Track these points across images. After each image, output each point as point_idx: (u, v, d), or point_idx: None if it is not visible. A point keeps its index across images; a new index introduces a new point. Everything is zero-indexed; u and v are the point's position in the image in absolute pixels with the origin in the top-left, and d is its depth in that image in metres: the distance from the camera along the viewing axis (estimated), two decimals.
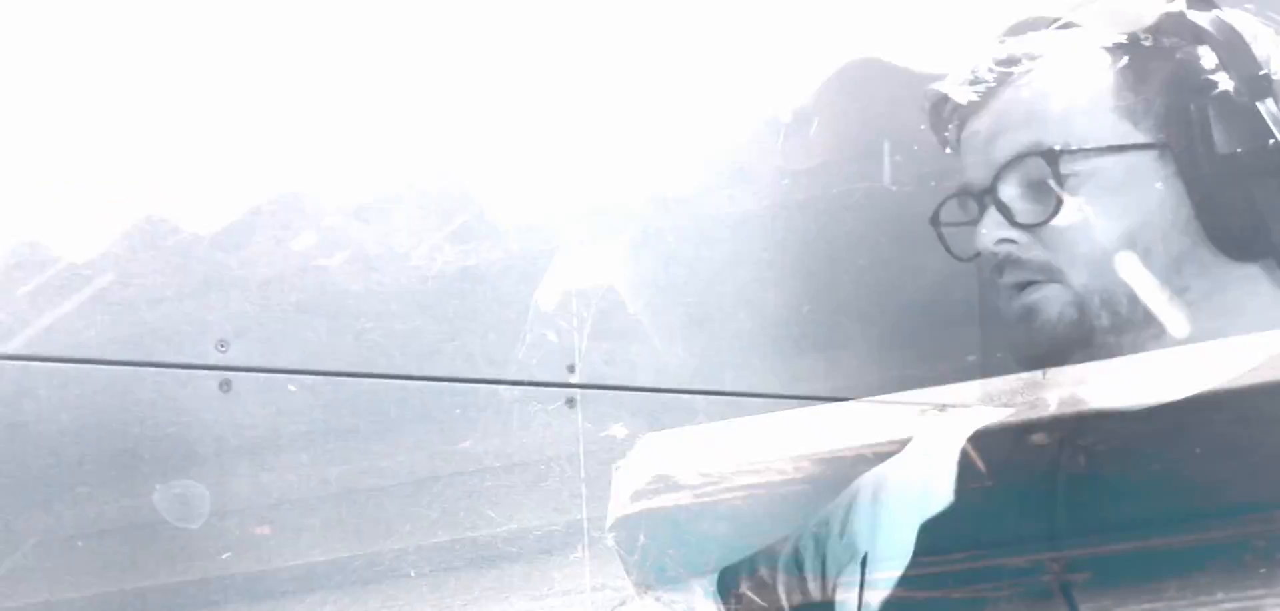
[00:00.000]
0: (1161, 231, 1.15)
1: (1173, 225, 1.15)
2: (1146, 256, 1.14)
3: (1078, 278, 1.16)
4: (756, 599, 1.41)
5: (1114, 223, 1.15)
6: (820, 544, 1.37)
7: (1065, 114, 1.17)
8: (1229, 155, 1.13)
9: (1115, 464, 1.21)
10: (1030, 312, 1.20)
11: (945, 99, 1.23)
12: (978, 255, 1.22)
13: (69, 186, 1.63)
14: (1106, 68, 1.17)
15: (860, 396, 1.91)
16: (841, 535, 1.35)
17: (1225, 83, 1.14)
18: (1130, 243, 1.15)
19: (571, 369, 1.77)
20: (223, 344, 1.67)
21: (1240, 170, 1.12)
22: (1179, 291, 1.15)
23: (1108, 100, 1.17)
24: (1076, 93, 1.17)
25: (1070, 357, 1.19)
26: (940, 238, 1.28)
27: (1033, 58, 1.19)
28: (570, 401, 1.76)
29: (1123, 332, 1.16)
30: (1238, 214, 1.13)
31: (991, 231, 1.20)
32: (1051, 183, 1.16)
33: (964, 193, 1.24)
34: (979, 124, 1.21)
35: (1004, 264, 1.20)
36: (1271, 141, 1.12)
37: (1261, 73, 1.15)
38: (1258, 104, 1.13)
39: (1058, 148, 1.16)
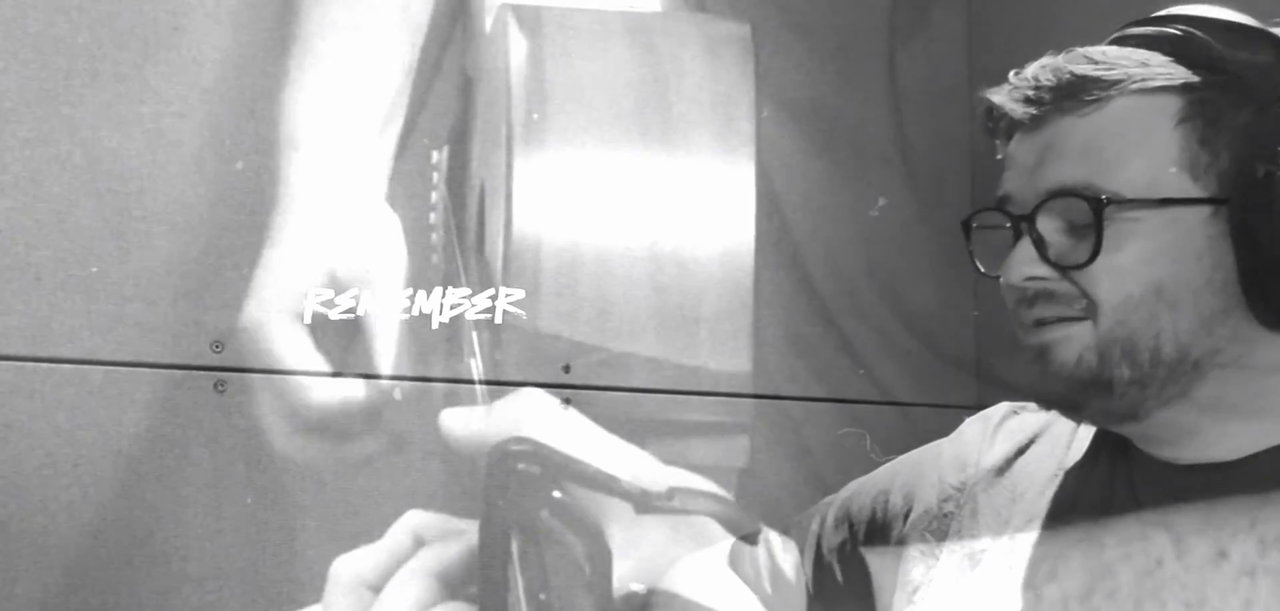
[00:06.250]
0: (1193, 288, 1.09)
1: (1208, 284, 1.09)
2: (1174, 309, 1.11)
3: (1104, 322, 1.11)
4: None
5: (1144, 269, 1.10)
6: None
7: (1121, 157, 1.11)
8: None
9: None
10: (1046, 352, 1.13)
11: (995, 108, 1.18)
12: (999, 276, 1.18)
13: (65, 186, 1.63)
14: (1176, 111, 1.11)
15: (856, 399, 1.92)
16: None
17: None
18: (1158, 293, 1.11)
19: (567, 369, 1.77)
20: (218, 345, 1.67)
21: None
22: (1210, 352, 1.11)
23: (1170, 150, 1.10)
24: (1138, 137, 1.11)
25: (1088, 405, 1.14)
26: (969, 247, 1.19)
27: (1101, 86, 1.12)
28: (566, 402, 1.76)
29: (1145, 386, 1.12)
30: None
31: (1022, 266, 1.13)
32: (1091, 229, 1.10)
33: (1002, 207, 1.16)
34: (1032, 142, 1.15)
35: (1036, 297, 1.13)
36: None
37: None
38: None
39: (1105, 197, 1.09)
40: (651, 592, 1.51)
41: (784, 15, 1.93)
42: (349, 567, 1.53)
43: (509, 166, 1.76)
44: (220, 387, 1.67)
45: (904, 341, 1.93)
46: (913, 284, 1.93)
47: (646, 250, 1.80)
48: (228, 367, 1.67)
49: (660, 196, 1.82)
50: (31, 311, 1.61)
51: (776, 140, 1.89)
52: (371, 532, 1.60)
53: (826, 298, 1.92)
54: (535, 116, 1.77)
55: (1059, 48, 1.19)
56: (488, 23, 1.81)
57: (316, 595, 1.62)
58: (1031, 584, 1.17)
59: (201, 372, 1.66)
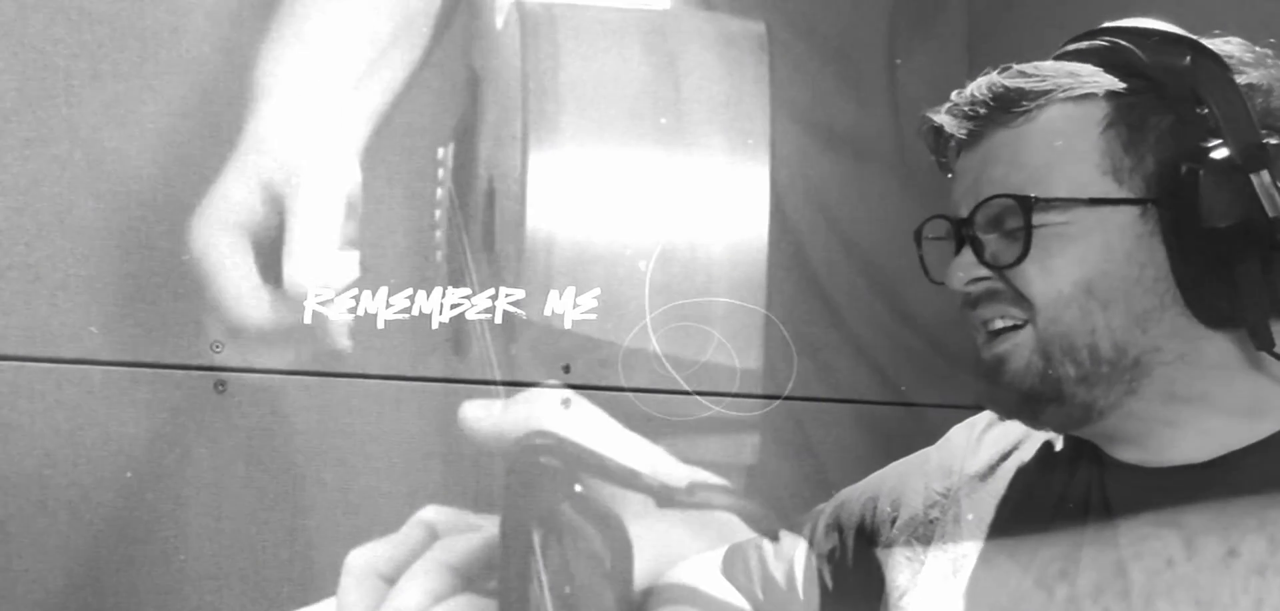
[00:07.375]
0: (1124, 287, 1.13)
1: (1138, 282, 1.13)
2: (1106, 308, 1.13)
3: (1041, 319, 1.14)
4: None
5: (1073, 268, 1.13)
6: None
7: (1049, 163, 1.15)
8: (1214, 222, 1.10)
9: None
10: (999, 364, 1.18)
11: (941, 128, 1.21)
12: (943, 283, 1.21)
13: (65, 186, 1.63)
14: (1101, 117, 1.15)
15: (856, 399, 1.92)
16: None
17: (1222, 149, 1.11)
18: (1088, 291, 1.13)
19: (567, 369, 1.77)
20: (218, 345, 1.67)
21: (1223, 239, 1.10)
22: (1150, 349, 1.14)
23: (1094, 155, 1.14)
24: (1065, 143, 1.15)
25: (1043, 409, 1.17)
26: (920, 256, 1.24)
27: (1031, 97, 1.16)
28: (566, 403, 1.76)
29: (1092, 385, 1.15)
30: (1216, 283, 1.11)
31: (962, 270, 1.18)
32: (1021, 229, 1.14)
33: (946, 216, 1.21)
34: (972, 156, 1.19)
35: (979, 299, 1.18)
36: (1260, 216, 1.09)
37: (1261, 143, 1.12)
38: (1252, 176, 1.10)
39: (1033, 196, 1.14)
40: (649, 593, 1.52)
41: (785, 17, 1.93)
42: (362, 558, 1.54)
43: (522, 164, 1.76)
44: (220, 388, 1.67)
45: (908, 341, 1.93)
46: (913, 284, 1.93)
47: (658, 247, 1.80)
48: (228, 368, 1.67)
49: (672, 194, 1.82)
50: (31, 311, 1.61)
51: (778, 141, 1.89)
52: (372, 532, 1.60)
53: (829, 298, 1.92)
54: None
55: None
56: (498, 20, 1.81)
57: (317, 594, 1.63)
58: (1043, 582, 1.18)
59: (201, 372, 1.67)
